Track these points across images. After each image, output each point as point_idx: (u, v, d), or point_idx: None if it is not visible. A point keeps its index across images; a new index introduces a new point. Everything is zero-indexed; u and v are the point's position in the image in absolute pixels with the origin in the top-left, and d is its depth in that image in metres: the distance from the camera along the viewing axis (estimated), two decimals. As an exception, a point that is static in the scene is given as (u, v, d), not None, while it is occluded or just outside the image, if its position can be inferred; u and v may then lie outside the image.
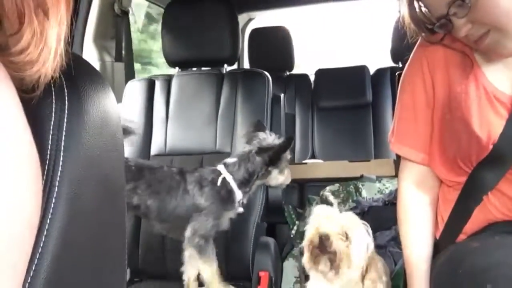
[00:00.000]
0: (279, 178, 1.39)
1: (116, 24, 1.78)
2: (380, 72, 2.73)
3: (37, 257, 0.40)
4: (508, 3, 0.81)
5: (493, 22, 0.83)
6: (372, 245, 1.18)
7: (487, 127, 0.92)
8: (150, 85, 1.72)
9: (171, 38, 1.69)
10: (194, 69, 1.77)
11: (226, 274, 1.36)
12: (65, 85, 0.47)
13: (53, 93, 0.46)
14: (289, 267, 1.60)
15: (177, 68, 1.75)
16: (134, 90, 1.73)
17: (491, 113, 0.92)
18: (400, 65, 2.55)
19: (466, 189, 0.97)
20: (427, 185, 1.07)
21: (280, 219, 1.76)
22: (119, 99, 1.70)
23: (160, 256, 1.51)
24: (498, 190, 0.93)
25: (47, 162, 0.43)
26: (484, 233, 0.94)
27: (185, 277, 1.35)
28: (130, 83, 1.76)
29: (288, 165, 1.41)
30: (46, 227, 0.41)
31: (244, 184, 1.32)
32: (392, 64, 2.67)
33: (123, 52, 1.83)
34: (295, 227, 1.84)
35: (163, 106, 1.69)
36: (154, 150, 1.65)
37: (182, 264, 1.35)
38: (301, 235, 1.45)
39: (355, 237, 1.15)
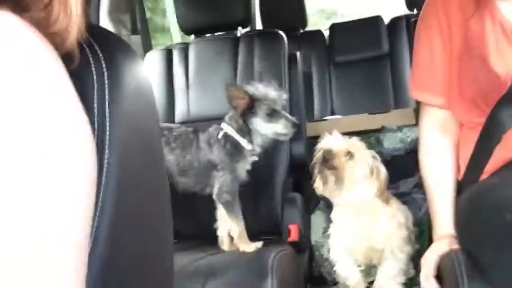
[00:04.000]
0: (266, 126, 1.31)
1: (128, -3, 1.80)
2: (395, 21, 2.67)
3: (95, 225, 0.44)
4: None
5: None
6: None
7: (506, 64, 0.93)
8: (168, 54, 1.75)
9: (185, 6, 1.71)
10: (209, 35, 1.78)
11: (256, 229, 1.43)
12: (102, 58, 0.51)
13: (92, 66, 0.50)
14: (317, 220, 1.66)
15: (192, 36, 1.77)
16: (153, 61, 1.76)
17: (509, 49, 0.93)
18: (415, 12, 2.50)
19: (486, 129, 0.99)
20: (448, 129, 1.09)
21: (305, 174, 1.81)
22: (139, 71, 1.73)
23: (191, 217, 1.57)
24: (518, 128, 0.95)
25: (96, 132, 0.47)
26: (503, 169, 0.97)
27: (219, 232, 1.42)
28: (148, 54, 1.79)
29: (282, 118, 1.31)
30: (101, 194, 0.46)
31: (244, 132, 1.35)
32: (407, 12, 2.61)
33: (138, 24, 1.86)
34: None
35: (182, 74, 1.72)
36: (178, 118, 1.70)
37: (213, 222, 1.42)
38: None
39: (358, 155, 1.24)
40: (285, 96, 1.37)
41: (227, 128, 1.37)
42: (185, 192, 1.43)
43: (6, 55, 0.34)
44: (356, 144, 1.28)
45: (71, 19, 0.40)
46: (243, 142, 1.35)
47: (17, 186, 0.32)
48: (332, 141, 1.28)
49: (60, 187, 0.35)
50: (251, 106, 1.31)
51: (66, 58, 0.40)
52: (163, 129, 1.43)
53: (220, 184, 1.36)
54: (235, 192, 1.36)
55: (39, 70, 0.36)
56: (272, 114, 1.31)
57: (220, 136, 1.36)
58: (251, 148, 1.36)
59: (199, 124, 1.61)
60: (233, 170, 1.36)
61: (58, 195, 0.35)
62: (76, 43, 0.42)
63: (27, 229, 0.32)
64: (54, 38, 0.39)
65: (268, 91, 1.32)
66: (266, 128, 1.33)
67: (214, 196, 1.38)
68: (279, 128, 1.32)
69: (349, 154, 1.24)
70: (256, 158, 1.39)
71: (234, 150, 1.36)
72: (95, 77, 0.49)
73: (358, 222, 1.29)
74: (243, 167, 1.37)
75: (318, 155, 1.30)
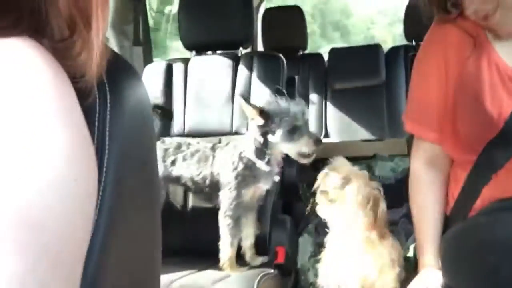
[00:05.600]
0: (287, 145, 1.26)
1: (133, 9, 1.82)
2: (394, 50, 2.72)
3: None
4: None
5: None
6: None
7: (499, 105, 0.95)
8: (168, 68, 1.77)
9: (188, 22, 1.73)
10: (210, 52, 1.80)
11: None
12: (106, 81, 0.52)
13: (96, 88, 0.51)
14: (305, 243, 1.67)
15: (193, 52, 1.79)
16: (153, 73, 1.77)
17: (503, 91, 0.95)
18: (414, 43, 2.55)
19: (476, 168, 1.01)
20: (439, 164, 1.10)
21: (295, 196, 1.82)
22: (138, 82, 1.75)
23: (182, 232, 1.56)
24: (507, 168, 0.96)
25: (96, 150, 0.49)
26: (491, 209, 0.98)
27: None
28: (148, 66, 1.81)
29: (304, 135, 1.26)
30: (98, 206, 0.47)
31: (261, 152, 1.30)
32: (406, 42, 2.67)
33: (141, 36, 1.88)
34: (310, 205, 1.89)
35: (181, 88, 1.73)
36: (174, 132, 1.71)
37: (203, 238, 1.44)
38: (315, 212, 1.52)
39: (354, 184, 1.22)
40: (307, 110, 1.29)
41: (244, 147, 1.32)
42: (193, 208, 1.44)
43: (9, 74, 0.35)
44: (354, 172, 1.27)
45: (91, 61, 0.42)
46: (261, 164, 1.29)
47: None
48: (334, 166, 1.26)
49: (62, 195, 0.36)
50: (270, 123, 1.24)
51: (81, 93, 0.42)
52: (181, 144, 1.44)
53: (224, 208, 1.36)
54: (238, 216, 1.37)
55: (41, 86, 0.37)
56: (294, 131, 1.24)
57: (235, 157, 1.32)
58: (269, 170, 1.31)
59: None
60: (239, 196, 1.34)
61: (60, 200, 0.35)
62: (93, 83, 0.44)
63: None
64: (70, 71, 0.40)
65: (290, 105, 1.25)
66: (287, 148, 1.26)
67: (219, 217, 1.38)
68: (301, 147, 1.24)
69: (346, 180, 1.22)
70: (278, 178, 1.36)
71: (248, 174, 1.32)
72: (98, 98, 0.51)
73: (351, 252, 1.28)
74: (253, 192, 1.36)
75: (318, 182, 1.27)
